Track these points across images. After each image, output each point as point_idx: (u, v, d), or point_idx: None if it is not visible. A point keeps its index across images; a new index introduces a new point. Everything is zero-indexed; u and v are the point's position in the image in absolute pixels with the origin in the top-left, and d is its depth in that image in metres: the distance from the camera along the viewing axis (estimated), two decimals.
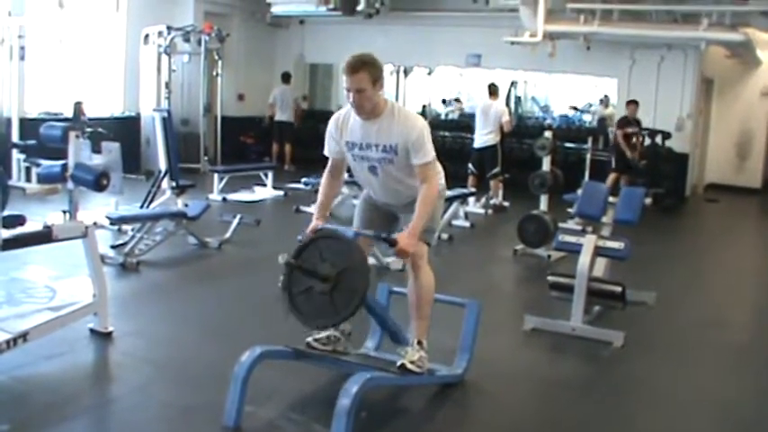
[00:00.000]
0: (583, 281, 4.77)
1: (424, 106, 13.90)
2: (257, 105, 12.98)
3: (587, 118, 13.78)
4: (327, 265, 3.29)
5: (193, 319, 4.83)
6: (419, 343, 3.58)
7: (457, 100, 14.46)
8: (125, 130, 9.98)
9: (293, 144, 12.46)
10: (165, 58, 11.20)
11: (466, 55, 12.37)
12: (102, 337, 4.20)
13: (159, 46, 11.16)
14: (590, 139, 10.70)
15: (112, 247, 6.21)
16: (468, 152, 10.08)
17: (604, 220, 5.53)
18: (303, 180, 8.80)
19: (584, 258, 4.82)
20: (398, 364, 3.48)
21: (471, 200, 9.28)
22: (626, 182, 9.75)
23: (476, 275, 6.56)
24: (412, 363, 3.48)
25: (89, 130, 7.55)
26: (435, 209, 3.64)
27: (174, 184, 7.11)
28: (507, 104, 11.96)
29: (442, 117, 14.09)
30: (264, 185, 10.06)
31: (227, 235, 6.79)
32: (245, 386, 3.21)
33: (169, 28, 11.20)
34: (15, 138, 9.06)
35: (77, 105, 9.28)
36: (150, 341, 4.36)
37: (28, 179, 8.81)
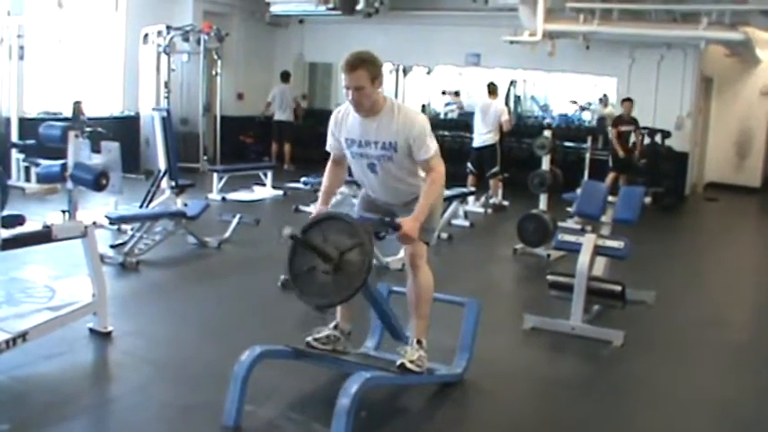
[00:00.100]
0: (582, 280, 4.77)
1: (423, 105, 13.86)
2: (257, 105, 12.96)
3: (587, 116, 13.76)
4: (331, 245, 3.26)
5: (193, 318, 4.83)
6: (419, 342, 3.57)
7: (456, 93, 14.44)
8: (124, 129, 9.98)
9: (293, 143, 12.46)
10: (164, 57, 11.20)
11: (465, 54, 12.37)
12: (101, 336, 4.19)
13: (158, 45, 11.16)
14: (589, 139, 10.71)
15: (112, 246, 6.22)
16: (468, 151, 10.09)
17: (604, 219, 5.52)
18: (302, 179, 8.77)
19: (584, 257, 4.82)
20: (398, 363, 3.47)
21: (471, 199, 9.28)
22: (625, 181, 9.77)
23: (475, 275, 6.56)
24: (411, 362, 3.47)
25: (88, 129, 7.50)
26: (435, 208, 3.62)
27: (173, 183, 7.10)
28: (506, 104, 11.94)
29: (442, 116, 14.07)
30: (264, 185, 10.05)
31: (227, 234, 6.79)
32: (244, 386, 3.21)
33: (168, 27, 11.20)
34: (15, 137, 9.05)
35: (77, 105, 9.26)
36: (150, 341, 4.36)
37: (27, 179, 8.81)
